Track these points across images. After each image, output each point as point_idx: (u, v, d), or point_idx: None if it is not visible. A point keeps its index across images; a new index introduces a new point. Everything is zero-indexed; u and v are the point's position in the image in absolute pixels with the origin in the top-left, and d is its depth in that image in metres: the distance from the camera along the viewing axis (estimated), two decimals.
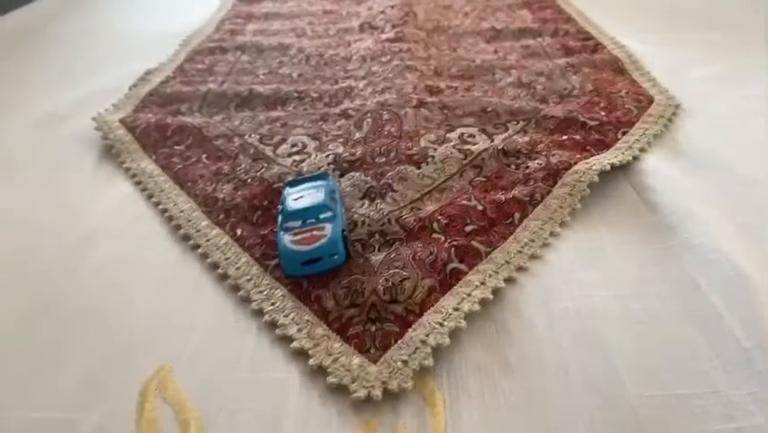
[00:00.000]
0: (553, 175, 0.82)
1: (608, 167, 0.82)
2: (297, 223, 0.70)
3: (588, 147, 0.89)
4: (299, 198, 0.74)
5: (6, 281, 0.71)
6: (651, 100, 1.01)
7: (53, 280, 0.71)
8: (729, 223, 0.71)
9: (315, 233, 0.68)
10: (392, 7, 1.58)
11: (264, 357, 0.60)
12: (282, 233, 0.70)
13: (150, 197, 0.86)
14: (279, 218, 0.72)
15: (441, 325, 0.61)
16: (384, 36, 1.40)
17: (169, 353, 0.60)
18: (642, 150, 0.87)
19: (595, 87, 1.08)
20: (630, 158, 0.85)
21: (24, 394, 0.57)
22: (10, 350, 0.62)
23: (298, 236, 0.68)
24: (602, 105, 1.01)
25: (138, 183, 0.90)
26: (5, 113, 1.13)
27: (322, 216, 0.70)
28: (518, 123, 0.98)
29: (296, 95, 1.14)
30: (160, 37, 1.49)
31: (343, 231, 0.70)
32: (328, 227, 0.69)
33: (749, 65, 1.13)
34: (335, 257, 0.68)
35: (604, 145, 0.89)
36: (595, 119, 0.96)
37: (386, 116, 1.01)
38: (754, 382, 0.53)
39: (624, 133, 0.92)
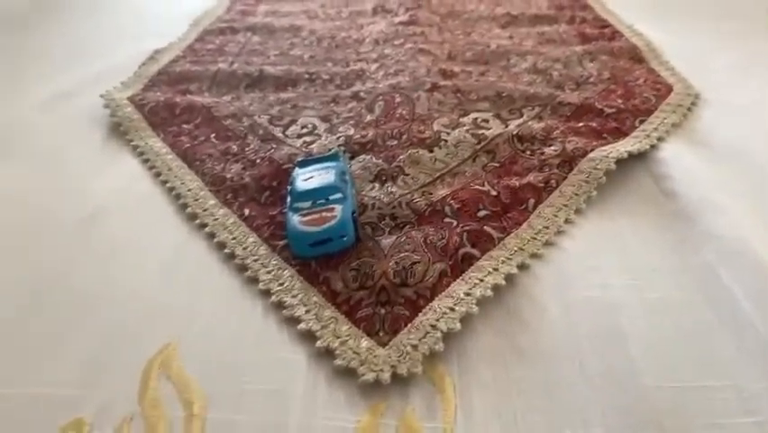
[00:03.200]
0: (569, 162, 0.80)
1: (626, 155, 0.80)
2: (307, 204, 0.69)
3: (604, 135, 0.87)
4: (309, 178, 0.72)
5: (12, 260, 0.70)
6: (669, 89, 0.99)
7: (59, 259, 0.70)
8: (750, 213, 0.69)
9: (324, 214, 0.67)
10: None
11: (271, 338, 0.59)
12: (291, 213, 0.68)
13: (157, 175, 0.85)
14: (288, 199, 0.71)
15: (452, 310, 0.59)
16: (397, 19, 1.37)
17: (173, 332, 0.59)
18: (660, 139, 0.85)
19: (612, 74, 1.06)
20: (648, 146, 0.83)
21: (29, 371, 0.56)
22: (15, 328, 0.61)
23: (307, 217, 0.67)
24: (619, 92, 0.98)
25: (145, 161, 0.88)
26: (14, 88, 1.12)
27: (332, 198, 0.69)
28: (534, 108, 0.95)
29: (306, 76, 1.12)
30: (171, 16, 1.47)
31: (353, 213, 0.68)
32: (338, 209, 0.67)
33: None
34: (345, 239, 0.66)
35: (621, 133, 0.87)
36: (612, 107, 0.93)
37: (398, 99, 0.99)
38: None
39: (641, 122, 0.89)
